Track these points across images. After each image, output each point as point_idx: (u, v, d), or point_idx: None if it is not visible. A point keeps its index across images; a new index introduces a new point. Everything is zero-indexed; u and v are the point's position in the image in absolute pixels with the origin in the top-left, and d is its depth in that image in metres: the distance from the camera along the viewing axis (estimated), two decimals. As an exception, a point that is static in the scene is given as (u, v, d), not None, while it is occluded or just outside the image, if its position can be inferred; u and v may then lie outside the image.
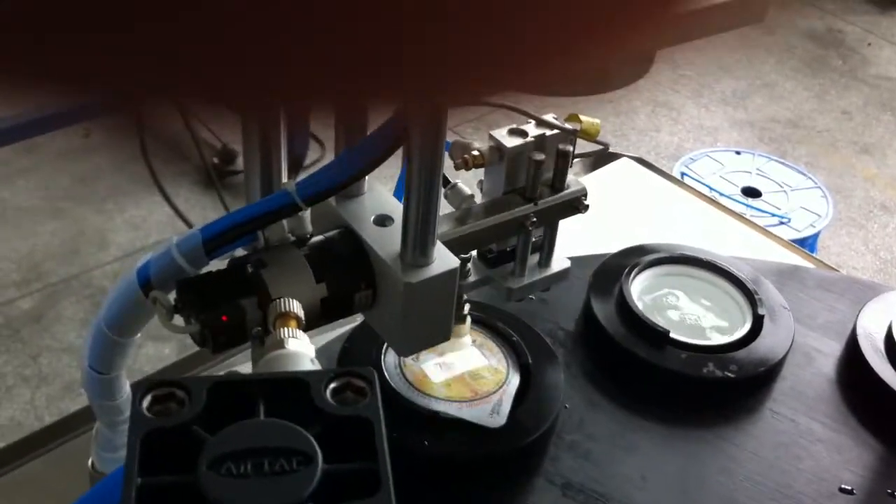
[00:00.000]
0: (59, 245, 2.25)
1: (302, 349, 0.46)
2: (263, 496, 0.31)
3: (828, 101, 2.85)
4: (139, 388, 0.35)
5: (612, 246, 0.94)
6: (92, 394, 0.68)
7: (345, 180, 0.60)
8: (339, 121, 0.64)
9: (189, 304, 0.60)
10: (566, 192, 0.71)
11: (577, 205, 0.72)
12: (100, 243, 2.27)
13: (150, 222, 2.36)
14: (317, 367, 0.45)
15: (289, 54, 0.19)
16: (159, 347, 1.91)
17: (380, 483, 0.32)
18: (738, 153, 2.42)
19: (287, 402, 0.35)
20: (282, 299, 0.53)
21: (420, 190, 0.59)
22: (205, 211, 2.40)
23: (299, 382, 0.36)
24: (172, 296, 0.61)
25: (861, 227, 2.40)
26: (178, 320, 0.61)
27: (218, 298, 0.60)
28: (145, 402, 0.34)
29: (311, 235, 0.64)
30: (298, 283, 0.61)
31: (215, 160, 2.50)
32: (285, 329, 0.48)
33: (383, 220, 0.65)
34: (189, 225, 2.22)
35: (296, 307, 0.51)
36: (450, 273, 0.62)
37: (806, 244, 2.11)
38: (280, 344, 0.46)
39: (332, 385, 0.36)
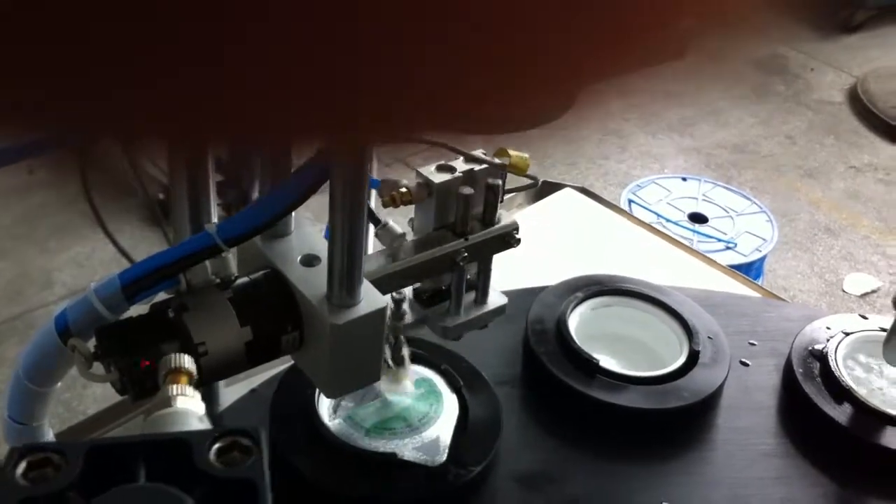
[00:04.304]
0: (2, 285, 2.20)
1: (190, 407, 0.44)
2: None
3: (772, 127, 2.89)
4: (13, 455, 0.34)
5: (557, 276, 0.93)
6: (14, 442, 0.66)
7: (266, 221, 0.59)
8: (266, 159, 0.64)
9: (108, 351, 0.58)
10: (497, 227, 0.71)
11: (508, 239, 0.71)
12: (44, 282, 2.23)
13: (95, 260, 2.32)
14: (205, 425, 0.43)
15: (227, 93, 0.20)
16: (106, 386, 1.87)
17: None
18: (684, 179, 2.43)
19: (169, 464, 0.34)
20: (172, 355, 0.51)
21: (344, 229, 0.58)
22: (151, 248, 2.36)
23: (181, 443, 0.35)
24: (92, 344, 0.59)
25: (807, 250, 2.42)
26: (98, 368, 0.59)
27: (138, 345, 0.58)
28: (19, 469, 0.33)
29: (236, 277, 0.63)
30: (222, 328, 0.60)
31: (161, 196, 2.47)
32: (175, 386, 0.46)
33: (310, 261, 0.64)
34: (132, 262, 2.19)
35: (187, 362, 0.50)
36: (377, 313, 0.61)
37: (752, 268, 2.12)
38: (167, 402, 0.45)
39: (217, 445, 0.35)
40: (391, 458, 0.72)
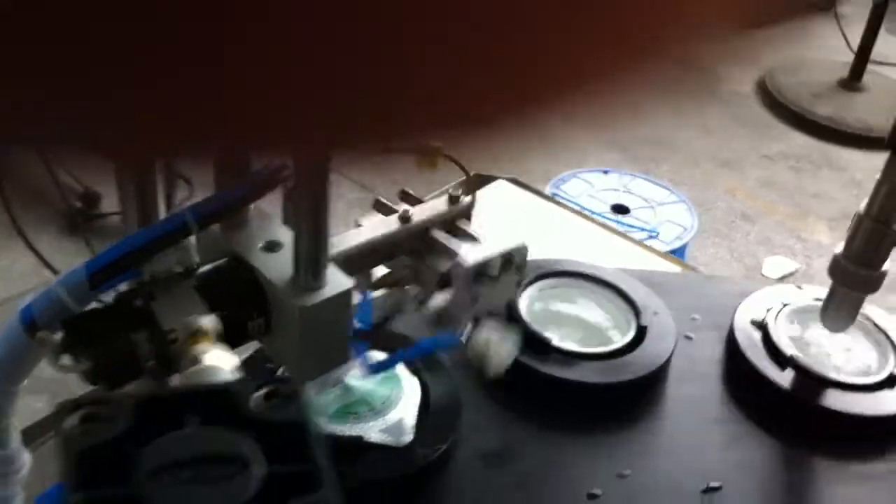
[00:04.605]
0: (-82, 300, 2.14)
1: (220, 362, 0.45)
2: (204, 503, 0.31)
3: (688, 119, 2.96)
4: (64, 408, 0.34)
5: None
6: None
7: (238, 201, 0.60)
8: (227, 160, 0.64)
9: (77, 342, 0.58)
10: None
11: (454, 199, 0.73)
12: (-40, 296, 2.17)
13: (14, 272, 2.27)
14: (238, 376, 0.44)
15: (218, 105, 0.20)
16: (31, 401, 1.82)
17: (319, 482, 0.32)
18: (605, 172, 2.48)
19: (216, 411, 0.35)
20: (192, 318, 0.52)
21: (309, 211, 0.59)
22: (69, 257, 2.32)
23: (226, 392, 0.36)
24: (60, 335, 0.59)
25: (725, 236, 2.49)
26: (67, 360, 0.59)
27: (107, 334, 0.58)
28: (72, 421, 0.34)
29: (199, 265, 0.63)
30: (190, 315, 0.60)
31: (78, 204, 2.43)
32: (198, 346, 0.47)
33: (272, 246, 0.64)
34: (55, 272, 2.15)
35: (206, 322, 0.50)
36: (343, 294, 0.62)
37: (675, 255, 2.18)
38: (196, 360, 0.45)
39: (259, 392, 0.36)
40: (357, 441, 0.73)
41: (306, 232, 0.60)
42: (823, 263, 2.35)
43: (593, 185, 2.41)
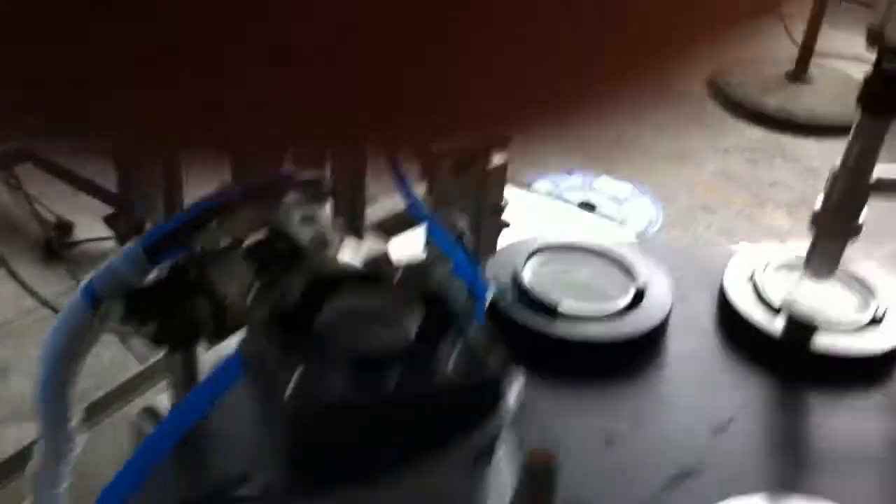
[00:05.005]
0: None
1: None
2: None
3: (644, 119, 3.05)
4: None
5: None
6: (45, 420, 0.68)
7: (279, 184, 0.65)
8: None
9: (140, 312, 0.62)
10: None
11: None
12: (-60, 329, 2.17)
13: (-7, 302, 2.27)
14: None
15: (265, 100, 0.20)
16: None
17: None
18: (569, 173, 2.56)
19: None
20: (318, 229, 0.58)
21: (348, 182, 0.64)
22: (50, 286, 2.33)
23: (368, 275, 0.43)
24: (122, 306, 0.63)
25: (688, 228, 2.57)
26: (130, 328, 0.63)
27: (168, 302, 0.63)
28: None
29: (243, 238, 0.68)
30: (241, 282, 0.65)
31: (52, 234, 2.45)
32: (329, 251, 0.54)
33: (308, 220, 0.69)
34: (40, 300, 2.15)
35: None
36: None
37: (644, 247, 2.25)
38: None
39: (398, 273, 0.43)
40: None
41: (346, 201, 0.65)
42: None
43: (559, 186, 2.49)
